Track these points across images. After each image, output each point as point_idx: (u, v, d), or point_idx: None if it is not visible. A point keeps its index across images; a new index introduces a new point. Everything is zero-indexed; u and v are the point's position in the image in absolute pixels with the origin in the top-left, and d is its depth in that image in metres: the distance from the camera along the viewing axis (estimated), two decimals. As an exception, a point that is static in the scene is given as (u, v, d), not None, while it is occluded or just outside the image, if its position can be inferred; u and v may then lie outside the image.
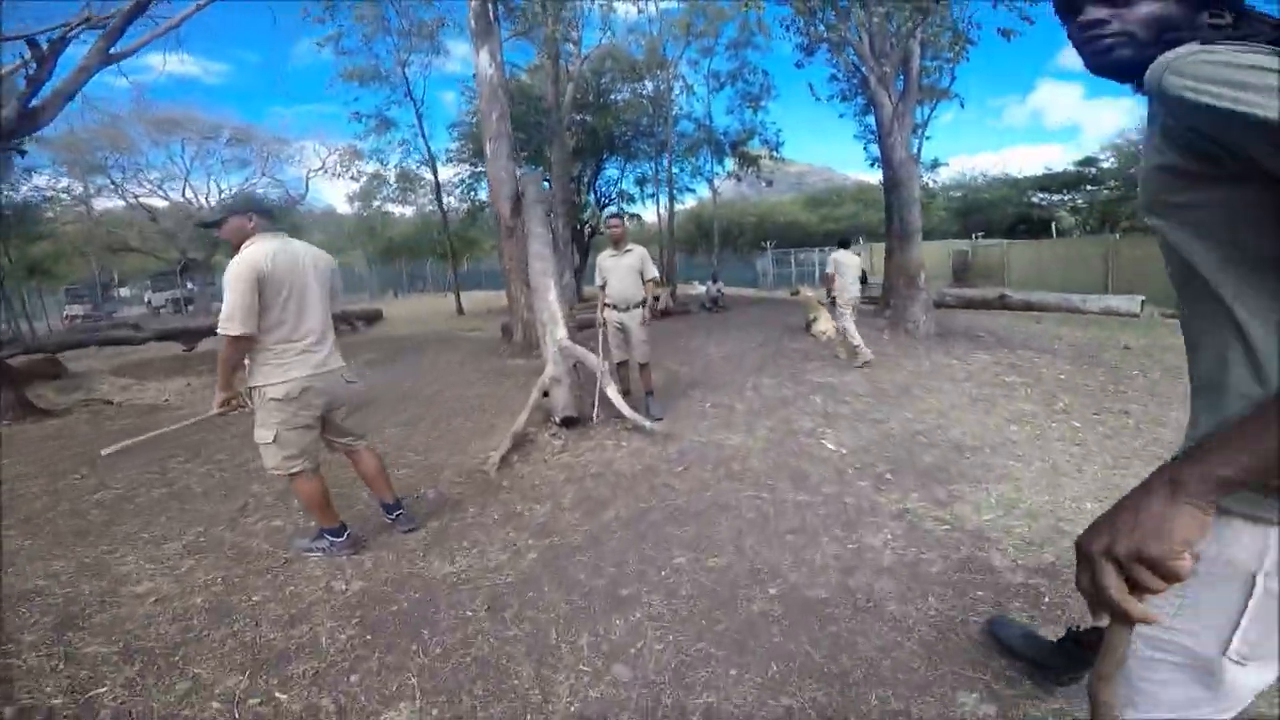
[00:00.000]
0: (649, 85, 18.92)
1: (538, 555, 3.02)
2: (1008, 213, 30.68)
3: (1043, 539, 2.95)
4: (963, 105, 10.51)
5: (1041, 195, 31.30)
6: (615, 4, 15.49)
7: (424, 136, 19.01)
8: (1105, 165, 28.36)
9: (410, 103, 18.82)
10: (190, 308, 28.66)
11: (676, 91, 19.24)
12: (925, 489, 3.57)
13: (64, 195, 27.22)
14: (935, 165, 19.17)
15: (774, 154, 19.85)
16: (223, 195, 31.81)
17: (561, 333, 5.12)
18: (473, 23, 8.40)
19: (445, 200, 21.45)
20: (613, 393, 4.72)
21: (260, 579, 2.86)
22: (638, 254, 5.03)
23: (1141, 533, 0.68)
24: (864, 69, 10.09)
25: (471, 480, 4.04)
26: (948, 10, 8.36)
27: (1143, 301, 13.27)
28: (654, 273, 5.07)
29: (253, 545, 3.25)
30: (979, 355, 7.78)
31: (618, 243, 5.05)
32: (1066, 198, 30.87)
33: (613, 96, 18.66)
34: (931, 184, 23.83)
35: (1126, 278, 17.62)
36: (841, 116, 15.41)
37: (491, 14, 8.40)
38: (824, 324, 8.39)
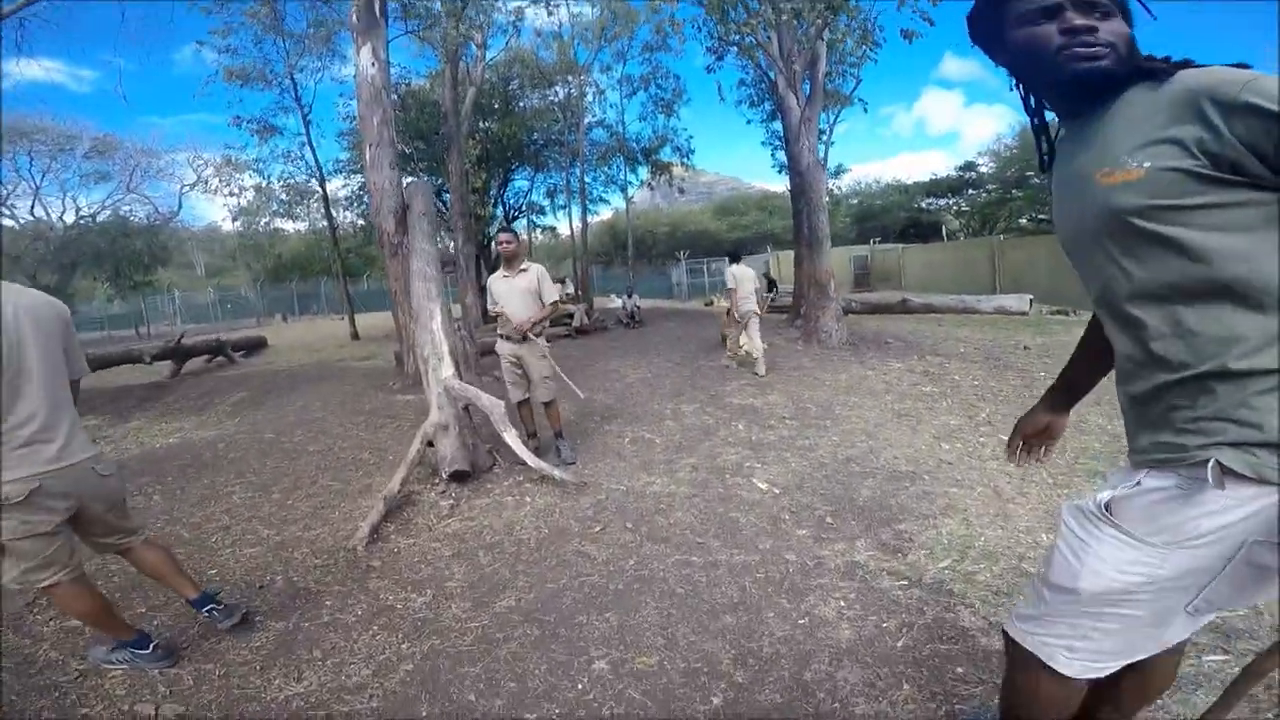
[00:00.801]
0: (560, 92, 18.30)
1: (413, 667, 2.34)
2: (900, 218, 32.29)
3: (1010, 586, 2.59)
4: (866, 109, 10.66)
5: (929, 200, 33.09)
6: (525, 7, 14.76)
7: (310, 145, 17.40)
8: (983, 170, 30.30)
9: (297, 108, 17.21)
10: None
11: (589, 98, 18.74)
12: (871, 533, 3.16)
13: None
14: (839, 171, 19.63)
15: (685, 161, 19.75)
16: (79, 213, 28.31)
17: (448, 370, 4.39)
18: (354, 18, 7.50)
19: (338, 214, 19.95)
20: (512, 438, 4.04)
21: (43, 698, 2.21)
22: (533, 274, 4.38)
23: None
24: (772, 72, 10.01)
25: (333, 561, 3.25)
26: (856, 11, 8.31)
27: (1031, 300, 14.04)
28: (553, 295, 4.41)
29: (39, 652, 2.49)
30: (893, 364, 7.70)
31: (510, 262, 4.39)
32: (951, 202, 32.85)
33: (521, 103, 17.89)
34: (836, 190, 24.59)
35: (1012, 277, 18.74)
36: (749, 123, 15.50)
37: (379, 8, 7.53)
38: (732, 344, 8.00)
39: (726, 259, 8.24)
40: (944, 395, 6.06)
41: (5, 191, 26.67)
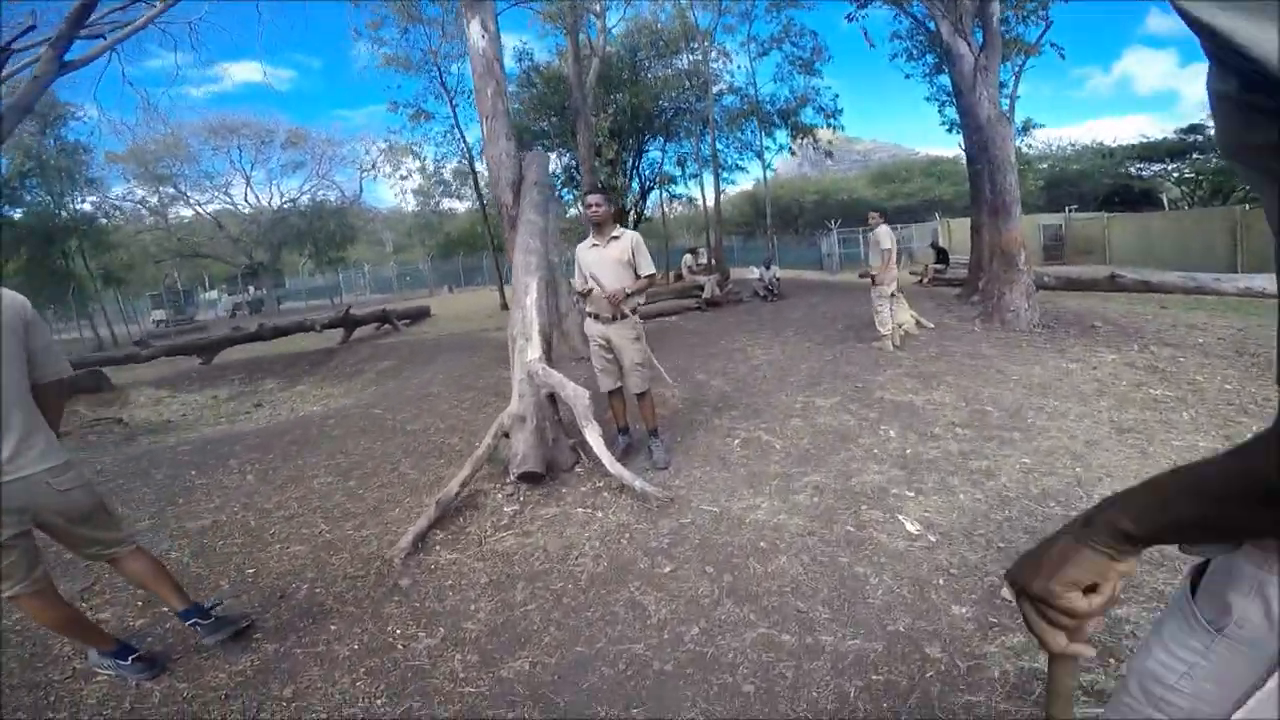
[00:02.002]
0: (685, 59, 17.14)
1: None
2: (1102, 185, 27.42)
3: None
4: (1063, 55, 8.41)
5: (1140, 165, 27.83)
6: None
7: (458, 127, 17.90)
8: (1213, 132, 24.70)
9: (444, 93, 17.77)
10: (257, 312, 29.16)
11: (715, 62, 17.32)
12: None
13: (126, 205, 28.24)
14: (1028, 127, 16.21)
15: (832, 124, 17.67)
16: (282, 197, 32.30)
17: (534, 353, 3.76)
18: None
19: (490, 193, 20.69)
20: (594, 435, 3.33)
21: (30, 694, 2.13)
22: (626, 242, 3.60)
23: (1042, 570, 0.68)
24: (931, 23, 8.31)
25: (367, 572, 2.75)
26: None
27: None
28: (649, 266, 3.62)
29: (55, 646, 2.37)
30: (1104, 355, 5.95)
31: (600, 228, 3.64)
32: (1170, 168, 27.39)
33: (648, 73, 16.98)
34: (1024, 150, 20.74)
35: (1259, 254, 14.91)
36: (908, 77, 13.24)
37: None
38: (885, 322, 6.57)
39: (876, 216, 6.83)
40: (1183, 403, 4.43)
41: (224, 180, 31.13)
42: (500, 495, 3.40)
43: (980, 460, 3.53)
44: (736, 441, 3.97)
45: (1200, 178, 26.21)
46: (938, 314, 8.70)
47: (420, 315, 16.07)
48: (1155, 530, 0.63)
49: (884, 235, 6.54)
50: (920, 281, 13.86)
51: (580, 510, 3.18)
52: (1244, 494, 0.56)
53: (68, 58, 6.47)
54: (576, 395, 3.46)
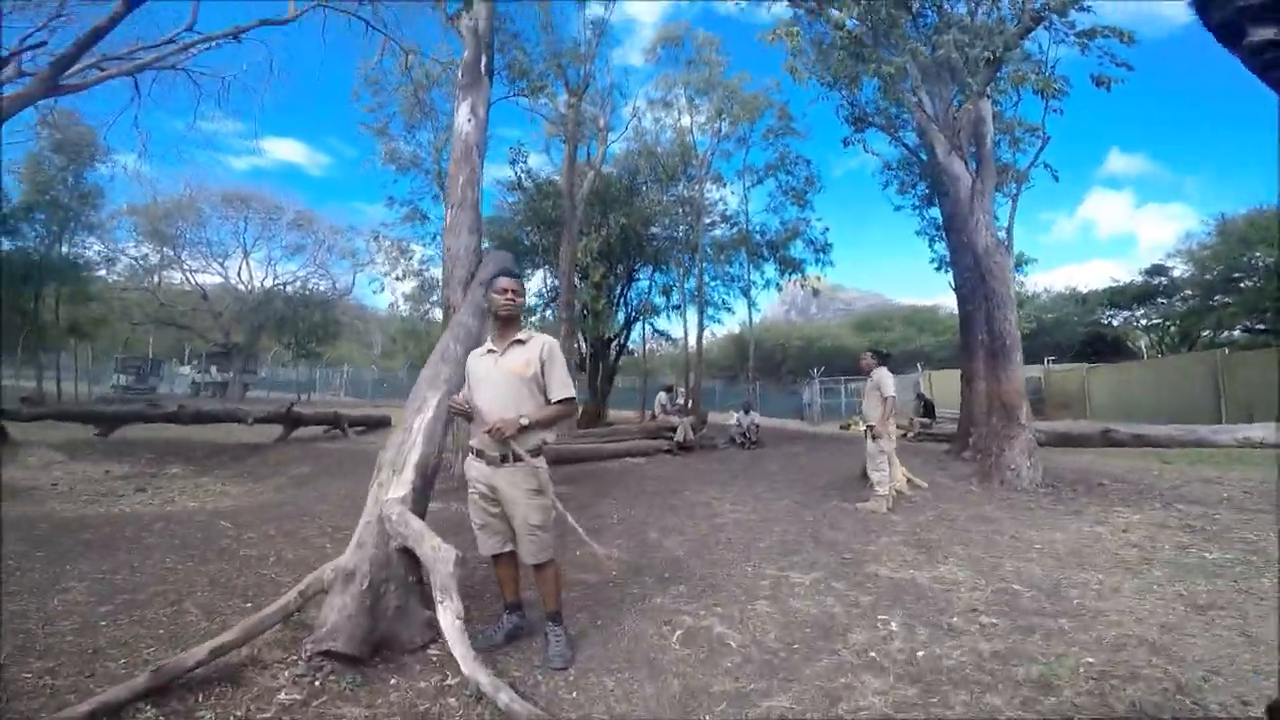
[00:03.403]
0: (680, 185, 17.37)
1: None
2: (1077, 334, 27.71)
3: None
4: (1056, 178, 8.36)
5: (1110, 312, 28.18)
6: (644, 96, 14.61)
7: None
8: (1176, 274, 25.29)
9: (441, 194, 17.67)
10: (221, 394, 27.50)
11: (710, 190, 17.62)
12: None
13: (122, 259, 27.10)
14: (1024, 263, 14.37)
15: (820, 258, 17.74)
16: (276, 280, 31.42)
17: (399, 490, 2.79)
18: (460, 75, 7.25)
19: None
20: (449, 617, 2.25)
21: None
22: (534, 350, 2.66)
23: None
24: (923, 153, 8.42)
25: None
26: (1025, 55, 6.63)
27: None
28: (566, 388, 2.65)
29: None
30: (1125, 515, 5.20)
31: (506, 326, 2.73)
32: (1138, 314, 27.74)
33: (642, 197, 16.84)
34: (1019, 288, 19.98)
35: (1242, 401, 14.49)
36: (898, 209, 13.38)
37: (484, 66, 7.23)
38: (882, 481, 5.63)
39: (871, 358, 6.11)
40: (1250, 565, 3.59)
41: (223, 251, 30.03)
42: (284, 676, 2.25)
43: (1025, 664, 2.47)
44: (678, 634, 2.85)
45: (1167, 323, 26.49)
46: (929, 471, 7.85)
47: (378, 424, 14.74)
48: None
49: (886, 380, 5.81)
50: (905, 436, 13.11)
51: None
52: None
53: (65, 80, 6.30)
54: (438, 556, 2.42)
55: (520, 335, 2.71)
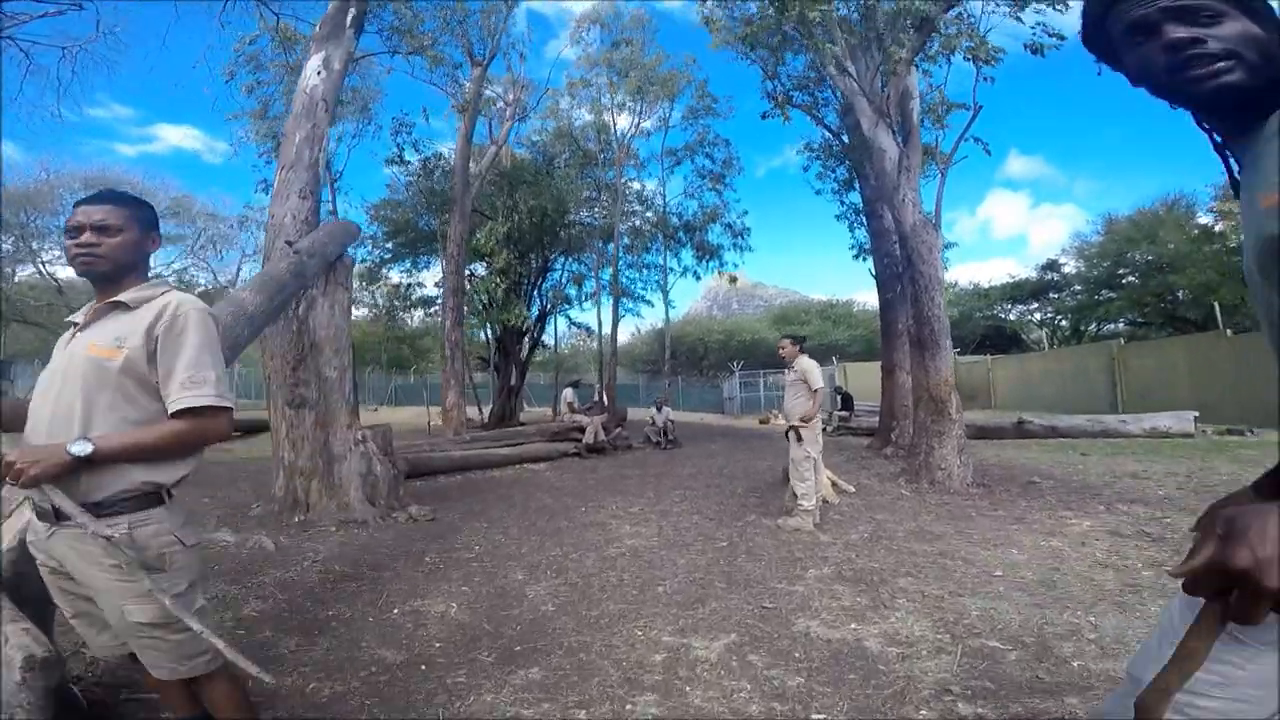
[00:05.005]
0: (598, 168, 16.41)
1: None
2: (979, 327, 28.89)
3: None
4: (988, 152, 7.81)
5: (1009, 306, 29.41)
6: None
7: (335, 215, 15.80)
8: (1068, 270, 27.02)
9: (328, 174, 15.77)
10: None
11: (627, 173, 16.78)
12: None
13: None
14: (948, 249, 13.86)
15: (739, 242, 17.14)
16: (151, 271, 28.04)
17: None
18: (319, 26, 6.27)
19: (395, 301, 18.41)
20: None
21: None
22: (144, 318, 1.39)
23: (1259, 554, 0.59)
24: (850, 117, 7.70)
25: None
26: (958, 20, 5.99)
27: (1195, 418, 10.57)
28: (195, 389, 1.36)
29: None
30: (1074, 523, 4.70)
31: (102, 285, 1.44)
32: (1033, 308, 29.26)
33: (556, 179, 15.62)
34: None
35: (1137, 390, 15.11)
36: (818, 193, 12.85)
37: (350, 19, 5.95)
38: (806, 491, 4.67)
39: (790, 345, 5.13)
40: None
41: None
42: None
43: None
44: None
45: (1059, 317, 28.02)
46: (853, 471, 7.16)
47: (256, 429, 12.67)
48: None
49: (812, 370, 4.82)
50: (824, 430, 12.62)
51: None
52: None
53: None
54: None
55: (126, 295, 1.43)
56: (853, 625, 2.71)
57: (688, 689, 2.23)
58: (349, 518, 4.57)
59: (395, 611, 2.96)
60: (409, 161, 14.52)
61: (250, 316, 3.22)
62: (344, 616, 2.93)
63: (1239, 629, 0.68)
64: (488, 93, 13.84)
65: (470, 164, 13.02)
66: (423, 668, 2.44)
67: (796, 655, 2.45)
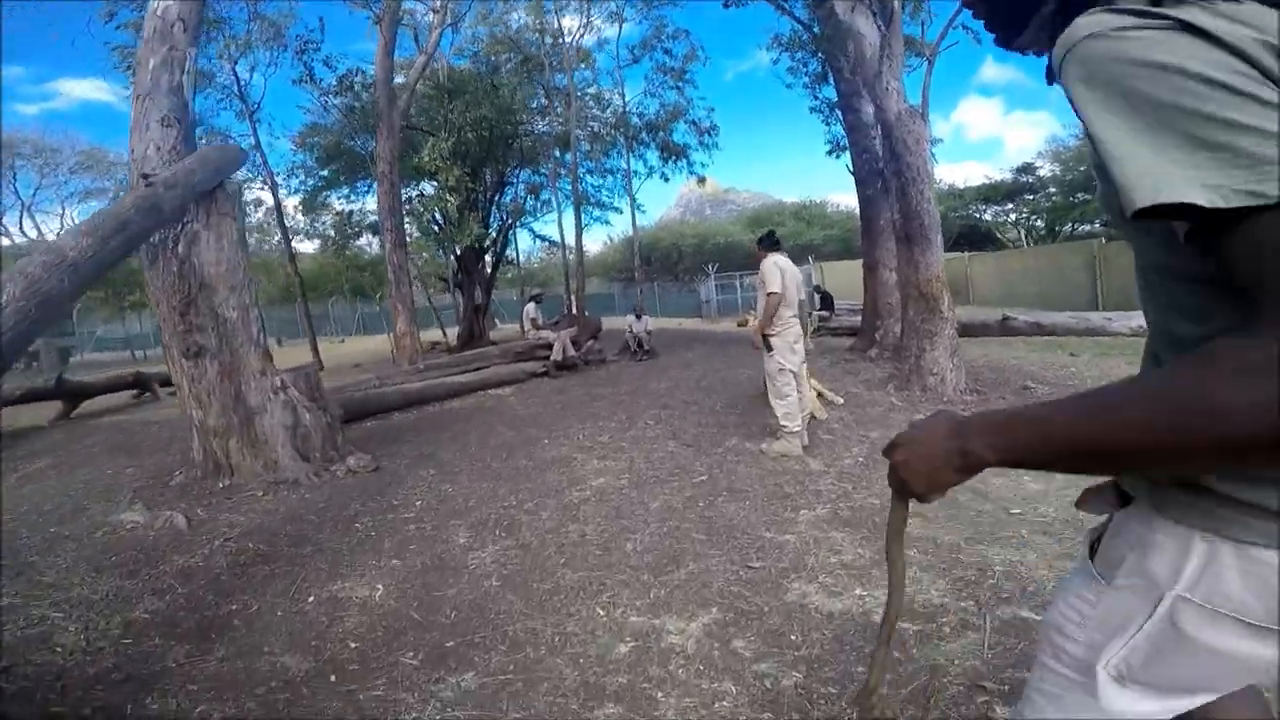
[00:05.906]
0: (547, 73, 15.01)
1: None
2: (955, 226, 28.67)
3: None
4: (979, 41, 6.95)
5: (983, 206, 29.48)
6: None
7: (259, 148, 14.53)
8: (1043, 173, 26.91)
9: (243, 105, 14.37)
10: (32, 366, 23.33)
11: (580, 75, 15.38)
12: None
13: None
14: (932, 143, 13.83)
15: (705, 140, 15.98)
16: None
17: None
18: None
19: (347, 229, 17.70)
20: None
21: None
22: None
23: (913, 464, 0.71)
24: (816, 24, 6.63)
25: None
26: None
27: None
28: None
29: None
30: None
31: None
32: (1008, 209, 29.27)
33: (503, 89, 14.35)
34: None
35: (1118, 289, 14.84)
36: (789, 87, 11.77)
37: None
38: (788, 407, 4.16)
39: (759, 246, 4.53)
40: None
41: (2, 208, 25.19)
42: None
43: None
44: None
45: (1034, 217, 28.02)
46: (838, 377, 6.71)
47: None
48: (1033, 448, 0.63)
49: (768, 271, 4.18)
50: (807, 334, 12.17)
51: None
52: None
53: None
54: None
55: None
56: (858, 590, 2.27)
57: (659, 695, 1.77)
58: (279, 478, 3.99)
59: (310, 600, 2.46)
60: (321, 79, 13.38)
61: (72, 264, 2.50)
62: (249, 611, 2.42)
63: (1097, 564, 0.72)
64: (409, 3, 12.36)
65: (400, 77, 11.83)
66: (333, 678, 1.95)
67: (792, 639, 2.00)
